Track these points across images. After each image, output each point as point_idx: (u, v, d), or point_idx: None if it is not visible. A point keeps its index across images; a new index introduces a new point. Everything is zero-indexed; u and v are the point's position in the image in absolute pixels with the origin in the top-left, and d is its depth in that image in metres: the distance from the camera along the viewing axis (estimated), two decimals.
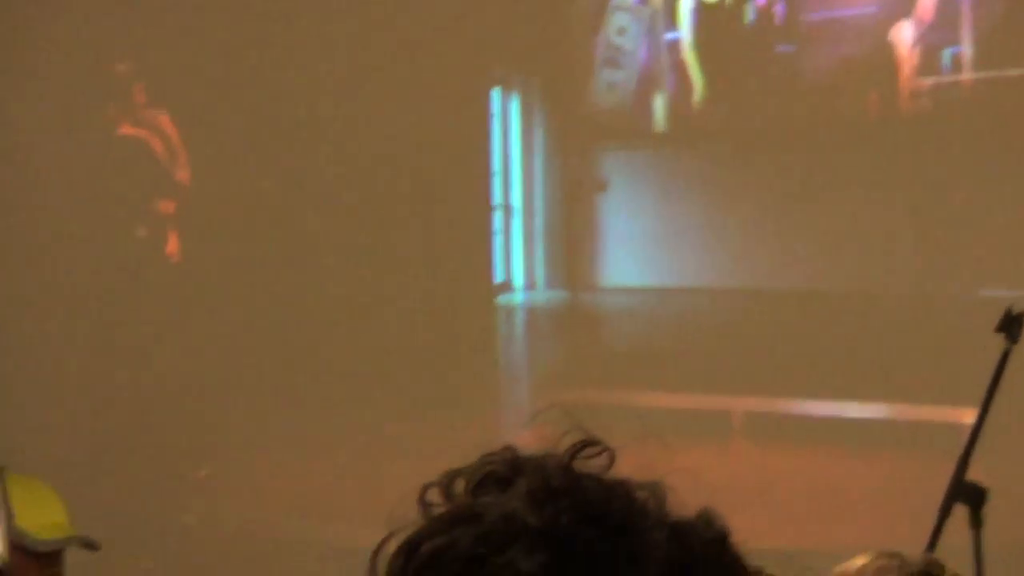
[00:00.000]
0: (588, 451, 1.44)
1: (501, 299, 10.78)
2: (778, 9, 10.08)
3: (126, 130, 10.72)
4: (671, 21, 10.37)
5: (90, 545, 3.62)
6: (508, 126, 10.85)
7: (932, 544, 4.41)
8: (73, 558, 3.66)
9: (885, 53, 9.60)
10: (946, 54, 9.50)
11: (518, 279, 10.76)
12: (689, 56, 10.24)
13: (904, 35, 9.60)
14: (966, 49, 9.43)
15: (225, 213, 10.38)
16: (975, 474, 4.55)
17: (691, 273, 10.18)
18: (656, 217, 10.39)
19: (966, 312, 8.16)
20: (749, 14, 10.13)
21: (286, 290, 10.25)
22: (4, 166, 10.27)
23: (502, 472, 1.42)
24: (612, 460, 1.45)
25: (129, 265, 10.48)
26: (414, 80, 10.12)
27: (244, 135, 10.36)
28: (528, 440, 1.45)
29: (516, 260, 10.74)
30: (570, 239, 10.66)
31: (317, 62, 10.33)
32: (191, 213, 10.65)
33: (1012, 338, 4.52)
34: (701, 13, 10.22)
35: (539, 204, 10.78)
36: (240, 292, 10.24)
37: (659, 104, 10.35)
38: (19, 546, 3.47)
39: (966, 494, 4.50)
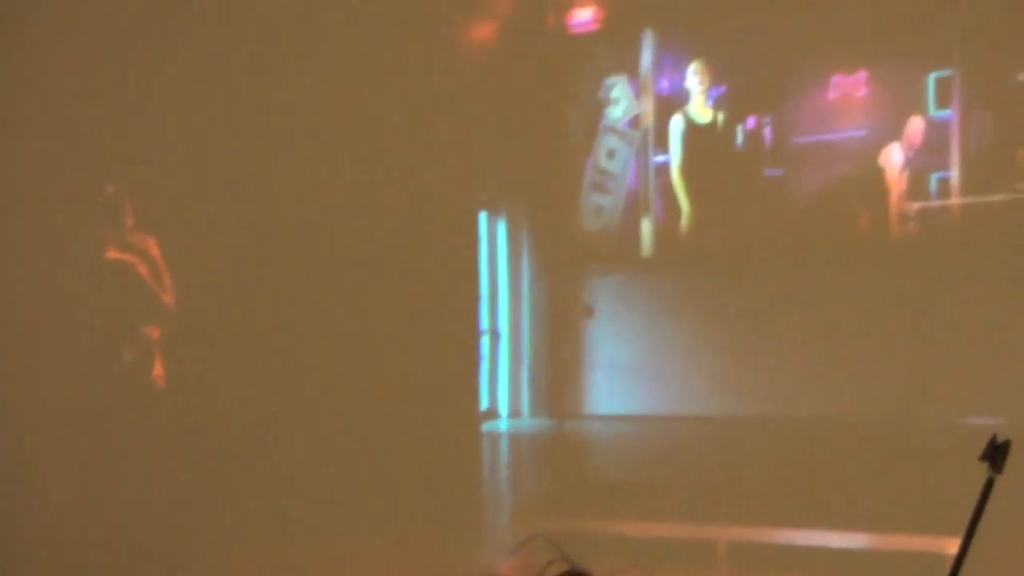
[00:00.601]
0: None
1: (486, 426, 10.70)
2: (767, 132, 10.06)
3: (113, 253, 10.70)
4: (660, 143, 10.36)
5: None
6: (495, 250, 10.82)
7: None
8: None
9: (874, 177, 9.59)
10: (933, 179, 9.47)
11: (503, 406, 10.69)
12: (676, 179, 10.23)
13: (893, 159, 9.59)
14: (953, 173, 9.41)
15: (210, 338, 10.34)
16: None
17: (677, 400, 10.09)
18: (642, 343, 10.32)
19: (950, 440, 8.08)
20: (738, 137, 10.12)
21: (271, 417, 10.18)
22: None
23: None
24: None
25: (115, 389, 10.43)
26: (399, 204, 10.10)
27: (230, 260, 10.34)
28: (512, 570, 1.43)
29: (502, 386, 10.66)
30: (556, 366, 10.59)
31: (302, 189, 10.32)
32: (175, 338, 10.60)
33: (996, 468, 4.47)
34: (690, 135, 10.21)
35: (525, 329, 10.72)
36: (224, 418, 10.18)
37: (646, 228, 10.32)
38: None
39: None
